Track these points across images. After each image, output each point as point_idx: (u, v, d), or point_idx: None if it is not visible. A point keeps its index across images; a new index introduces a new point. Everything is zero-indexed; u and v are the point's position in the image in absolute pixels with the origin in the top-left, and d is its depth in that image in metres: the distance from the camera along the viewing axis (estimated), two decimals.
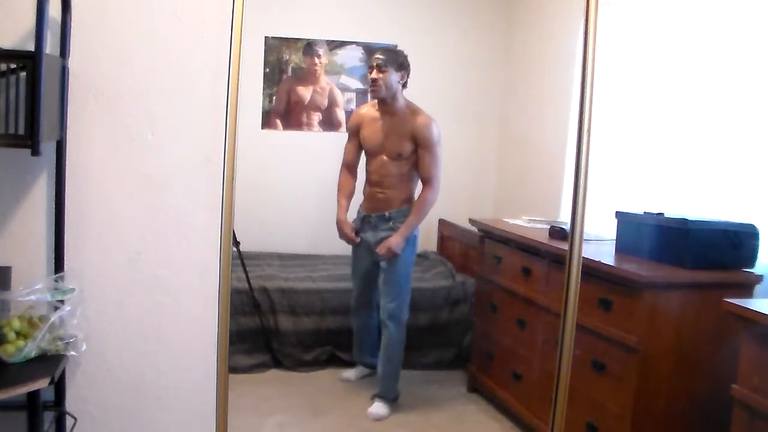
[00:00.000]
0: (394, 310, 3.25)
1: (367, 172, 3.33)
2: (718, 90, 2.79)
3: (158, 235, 2.01)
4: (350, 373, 3.61)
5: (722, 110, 2.77)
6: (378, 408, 3.23)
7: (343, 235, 3.38)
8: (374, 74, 3.14)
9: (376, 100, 3.27)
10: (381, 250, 3.20)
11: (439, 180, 3.23)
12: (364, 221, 3.33)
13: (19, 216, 1.93)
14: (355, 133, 3.38)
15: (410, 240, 3.25)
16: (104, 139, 1.96)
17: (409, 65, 3.21)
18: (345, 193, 3.40)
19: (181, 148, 2.00)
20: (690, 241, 2.40)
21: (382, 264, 3.25)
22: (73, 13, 1.89)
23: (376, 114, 3.27)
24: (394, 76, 3.13)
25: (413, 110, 3.20)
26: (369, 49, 4.54)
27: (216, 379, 2.02)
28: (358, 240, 3.34)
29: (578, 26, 3.66)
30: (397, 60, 3.15)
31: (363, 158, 3.40)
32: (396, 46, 4.59)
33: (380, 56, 3.15)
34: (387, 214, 3.24)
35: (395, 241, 3.18)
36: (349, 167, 3.42)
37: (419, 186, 3.29)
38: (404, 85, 3.20)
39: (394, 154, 3.20)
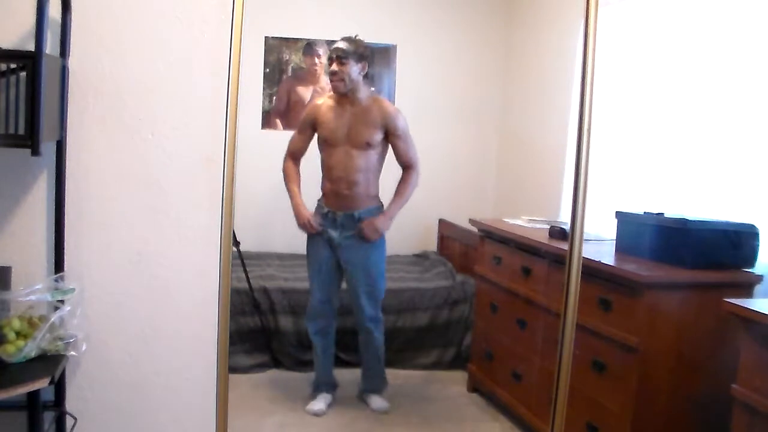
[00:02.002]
0: (374, 314, 3.22)
1: (327, 167, 3.14)
2: (718, 90, 2.79)
3: (158, 235, 2.02)
4: (318, 405, 3.21)
5: (722, 110, 2.77)
6: (379, 402, 3.28)
7: (303, 222, 3.17)
8: (334, 66, 3.02)
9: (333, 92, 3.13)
10: (367, 230, 3.07)
11: (419, 163, 3.17)
12: (327, 218, 3.14)
13: (19, 216, 1.93)
14: (309, 125, 3.19)
15: (380, 241, 3.17)
16: (104, 139, 1.96)
17: (369, 55, 3.10)
18: (296, 181, 3.22)
19: (181, 148, 2.01)
20: (690, 241, 2.40)
21: (353, 264, 3.14)
22: (73, 13, 1.89)
23: (335, 105, 3.12)
24: (355, 68, 3.01)
25: (377, 100, 3.14)
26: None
27: (216, 379, 2.01)
28: (319, 229, 3.14)
29: (578, 26, 3.66)
30: (357, 51, 3.02)
31: (315, 153, 3.23)
32: (395, 45, 4.63)
33: (340, 47, 3.02)
34: (356, 214, 3.10)
35: (381, 220, 3.11)
36: (294, 158, 3.25)
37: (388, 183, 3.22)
38: (365, 76, 3.09)
39: (362, 144, 3.05)
